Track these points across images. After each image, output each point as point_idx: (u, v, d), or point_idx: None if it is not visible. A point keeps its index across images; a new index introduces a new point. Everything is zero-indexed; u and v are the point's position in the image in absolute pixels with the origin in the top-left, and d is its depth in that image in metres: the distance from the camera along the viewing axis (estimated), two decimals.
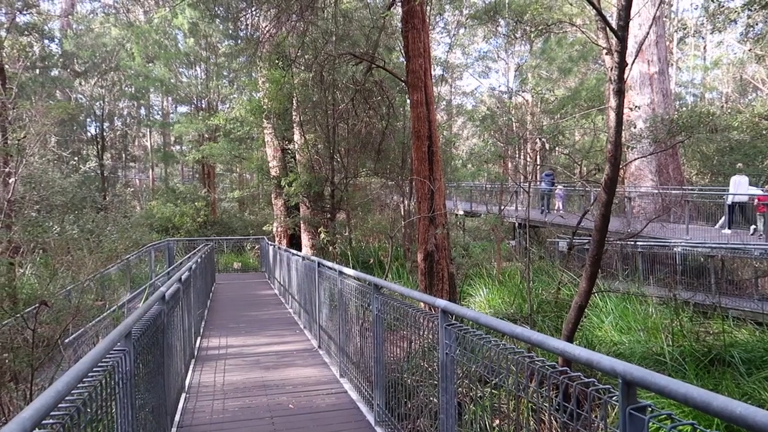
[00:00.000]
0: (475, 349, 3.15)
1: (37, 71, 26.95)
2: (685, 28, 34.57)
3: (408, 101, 17.72)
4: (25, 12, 19.68)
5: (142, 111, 39.96)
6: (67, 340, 6.18)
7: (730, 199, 14.66)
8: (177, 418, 5.32)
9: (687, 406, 1.82)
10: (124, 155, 37.06)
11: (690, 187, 18.96)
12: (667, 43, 30.86)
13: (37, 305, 5.45)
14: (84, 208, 24.23)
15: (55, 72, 29.65)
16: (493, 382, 2.96)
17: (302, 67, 17.02)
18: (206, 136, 30.84)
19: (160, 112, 42.19)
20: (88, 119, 31.78)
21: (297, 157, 19.36)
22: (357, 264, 17.07)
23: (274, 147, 21.33)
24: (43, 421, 1.74)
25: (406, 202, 19.22)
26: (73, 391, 2.16)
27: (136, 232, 15.97)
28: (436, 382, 4.39)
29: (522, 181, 22.11)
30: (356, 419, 5.25)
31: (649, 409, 1.90)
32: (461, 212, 25.93)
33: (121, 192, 30.85)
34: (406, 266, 16.62)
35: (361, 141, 17.80)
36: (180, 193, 30.42)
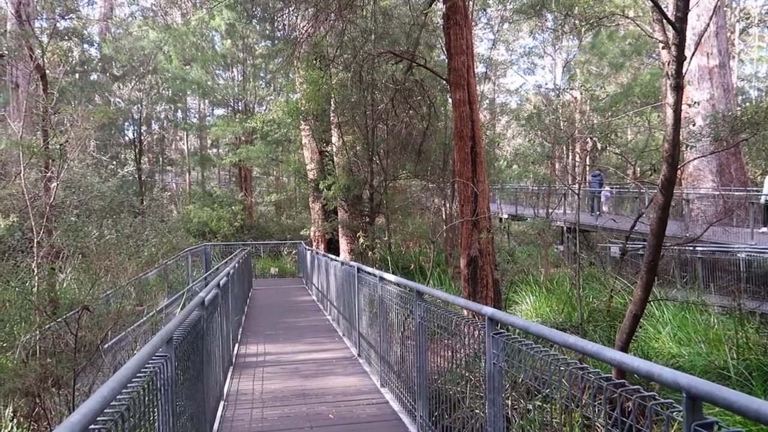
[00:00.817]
0: (524, 359, 3.11)
1: (77, 75, 28.04)
2: (748, 18, 33.42)
3: (450, 100, 17.61)
4: (66, 17, 20.52)
5: (179, 114, 41.04)
6: (106, 346, 6.39)
7: (762, 199, 14.30)
8: (216, 426, 5.42)
9: (759, 424, 1.75)
10: (161, 159, 38.16)
11: (755, 189, 18.28)
12: (729, 34, 29.85)
13: (78, 310, 5.64)
14: (122, 213, 25.06)
15: (94, 76, 30.80)
16: (543, 394, 2.92)
17: (340, 67, 17.18)
18: (243, 138, 31.46)
19: (196, 115, 43.24)
20: (126, 123, 32.87)
21: (335, 159, 19.53)
22: (397, 270, 17.09)
23: (312, 149, 21.57)
24: (90, 426, 1.81)
25: (447, 206, 19.15)
26: (118, 396, 2.23)
27: (174, 237, 16.40)
28: (481, 394, 4.35)
29: (570, 182, 21.75)
30: (398, 431, 5.24)
31: (717, 426, 1.84)
32: (506, 216, 25.66)
33: (158, 196, 31.80)
34: (448, 272, 16.55)
35: (400, 142, 17.84)
36: (217, 197, 31.10)
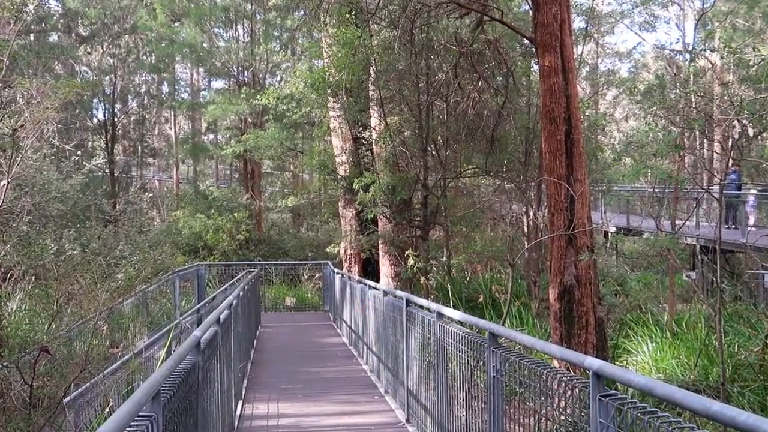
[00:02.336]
0: None
1: (32, 37, 29.04)
2: None
3: (535, 68, 17.45)
4: None
5: (165, 88, 42.13)
6: (67, 399, 6.55)
7: None
8: None
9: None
10: (140, 148, 39.21)
11: None
12: None
13: (34, 352, 5.78)
14: (88, 220, 25.76)
15: (54, 37, 31.86)
16: None
17: (384, 23, 17.29)
18: (250, 121, 32.05)
19: (188, 90, 44.34)
20: (95, 100, 33.80)
21: (375, 149, 19.65)
22: (460, 302, 17.05)
23: (343, 136, 21.78)
24: None
25: (531, 214, 18.99)
26: None
27: (157, 254, 16.81)
28: None
29: (707, 183, 21.29)
30: None
31: None
32: (613, 229, 25.29)
33: (135, 198, 32.60)
34: (532, 307, 16.41)
35: (466, 126, 17.80)
36: (214, 201, 31.71)
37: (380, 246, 19.86)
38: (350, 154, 21.65)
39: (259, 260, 25.87)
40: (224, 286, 16.54)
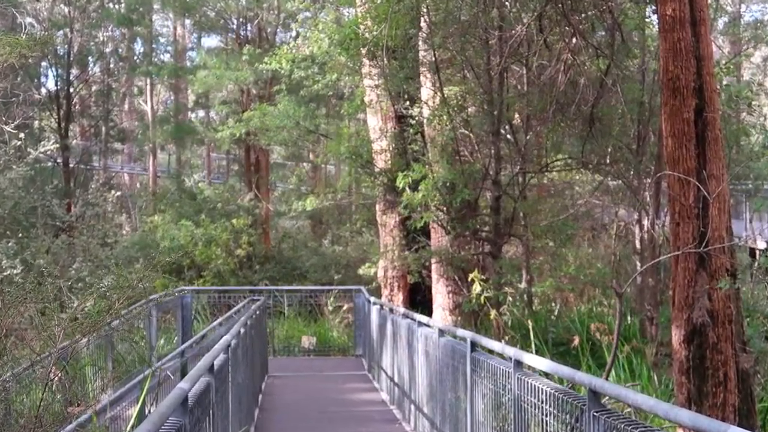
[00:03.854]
0: None
1: None
2: None
3: (653, 18, 17.29)
4: None
5: (139, 47, 42.64)
6: None
7: None
8: None
9: None
10: (104, 129, 39.58)
11: None
12: None
13: None
14: (33, 228, 26.01)
15: None
16: None
17: None
18: (254, 92, 32.27)
19: (169, 50, 44.77)
20: (44, 63, 34.33)
21: (427, 131, 19.66)
22: (546, 346, 16.92)
23: (383, 113, 21.83)
24: None
25: (646, 223, 18.78)
26: None
27: (135, 276, 16.96)
28: None
29: None
30: None
31: None
32: (764, 245, 24.91)
33: (97, 198, 32.83)
34: (647, 353, 16.22)
35: (554, 100, 17.70)
36: (205, 202, 32.01)
37: (433, 266, 19.83)
38: (392, 139, 21.67)
39: (266, 284, 26.07)
40: (218, 320, 16.67)
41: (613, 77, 16.99)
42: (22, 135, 25.37)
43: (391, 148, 21.67)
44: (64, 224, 27.70)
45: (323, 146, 30.49)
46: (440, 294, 19.43)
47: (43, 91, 35.72)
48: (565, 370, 5.88)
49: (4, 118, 26.73)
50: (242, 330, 11.43)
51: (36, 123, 35.15)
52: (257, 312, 16.37)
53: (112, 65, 39.64)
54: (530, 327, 16.17)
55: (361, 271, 25.21)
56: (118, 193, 37.11)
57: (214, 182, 40.47)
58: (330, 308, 25.74)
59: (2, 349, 7.29)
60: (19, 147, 28.08)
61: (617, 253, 22.61)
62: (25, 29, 31.94)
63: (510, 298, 17.71)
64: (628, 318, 18.75)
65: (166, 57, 43.90)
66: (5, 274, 18.37)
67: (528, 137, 18.53)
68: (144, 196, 41.44)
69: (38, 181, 29.53)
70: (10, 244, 22.76)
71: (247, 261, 28.84)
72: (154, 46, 43.25)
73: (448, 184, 17.87)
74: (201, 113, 46.65)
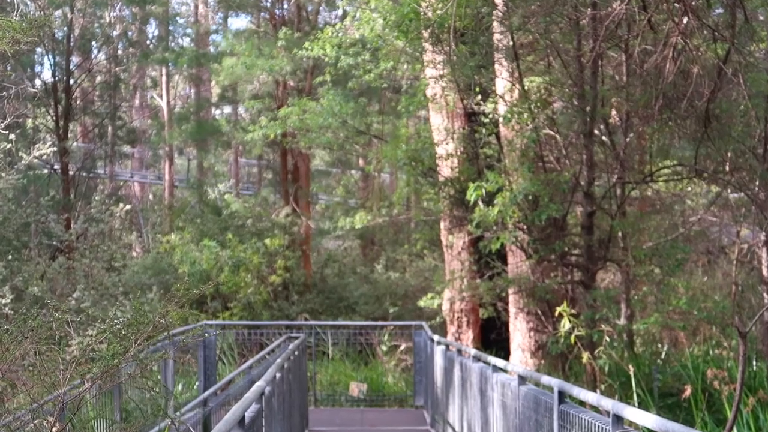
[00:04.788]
0: None
1: None
2: None
3: None
4: None
5: (152, 29, 43.02)
6: None
7: None
8: None
9: None
10: (110, 129, 39.97)
11: None
12: None
13: None
14: (26, 248, 26.15)
15: None
16: None
17: None
18: (292, 85, 32.44)
19: (189, 33, 45.12)
20: (39, 50, 34.70)
21: (503, 132, 19.64)
22: (649, 396, 16.78)
23: (450, 110, 21.86)
24: None
25: None
26: None
27: (144, 310, 17.09)
28: None
29: None
30: None
31: None
32: None
33: (102, 212, 32.94)
34: None
35: (661, 93, 17.62)
36: (232, 217, 32.15)
37: (511, 298, 19.80)
38: (461, 141, 21.67)
39: (307, 319, 26.16)
40: (249, 362, 16.75)
41: (733, 65, 16.84)
42: (12, 136, 24.90)
43: (459, 153, 21.66)
44: (62, 244, 27.65)
45: (376, 150, 30.38)
46: (519, 332, 19.37)
47: (38, 83, 35.94)
48: (675, 428, 5.85)
49: None
50: (278, 374, 11.45)
51: (29, 121, 35.47)
52: (296, 352, 16.41)
53: (120, 51, 39.82)
54: (631, 373, 16.06)
55: (422, 304, 25.12)
56: (128, 207, 36.93)
57: (243, 194, 40.61)
58: (384, 348, 25.75)
59: None
60: (9, 150, 28.04)
61: (739, 283, 22.36)
62: (17, 9, 32.43)
63: (606, 338, 17.54)
64: (753, 363, 18.50)
65: (186, 41, 44.23)
66: None
67: (628, 139, 18.41)
68: (158, 211, 41.73)
69: (32, 191, 29.68)
70: None
71: (283, 290, 28.91)
72: (170, 28, 43.51)
73: (529, 196, 17.79)
74: (227, 110, 46.91)
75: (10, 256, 24.39)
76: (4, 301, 20.03)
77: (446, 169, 21.88)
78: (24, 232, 26.73)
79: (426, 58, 21.84)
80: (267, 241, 29.40)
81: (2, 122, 25.74)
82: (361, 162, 39.89)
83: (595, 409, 7.50)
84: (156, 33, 42.48)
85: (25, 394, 7.41)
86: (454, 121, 21.93)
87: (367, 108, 28.77)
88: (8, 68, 31.80)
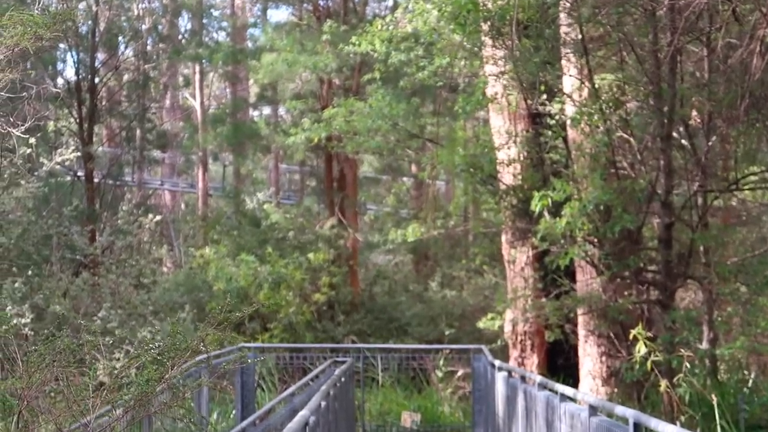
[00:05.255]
0: None
1: None
2: None
3: None
4: None
5: (185, 22, 43.25)
6: None
7: None
8: None
9: None
10: (138, 133, 40.16)
11: None
12: None
13: None
14: (47, 262, 26.24)
15: None
16: None
17: None
18: (338, 83, 32.55)
19: (225, 26, 45.35)
20: (62, 46, 34.93)
21: (571, 136, 19.64)
22: (734, 428, 16.69)
23: (512, 111, 21.85)
24: None
25: None
26: None
27: (166, 325, 17.18)
28: None
29: None
30: None
31: None
32: None
33: (130, 223, 33.05)
34: None
35: (746, 92, 17.58)
36: (272, 229, 32.26)
37: (580, 319, 19.78)
38: (524, 145, 21.68)
39: (354, 342, 26.21)
40: (291, 389, 16.84)
41: None
42: (33, 140, 24.86)
43: (522, 158, 21.65)
44: (86, 258, 27.61)
45: (430, 155, 30.30)
46: (590, 357, 19.35)
47: (60, 82, 36.13)
48: None
49: (11, 119, 26.80)
50: (323, 403, 11.53)
51: (51, 124, 35.71)
52: (342, 378, 16.49)
53: (149, 47, 40.07)
54: (715, 403, 16.00)
55: (481, 325, 25.15)
56: (158, 218, 37.10)
57: (284, 203, 40.79)
58: (439, 375, 25.75)
59: (24, 427, 7.52)
60: (30, 156, 28.13)
61: None
62: (38, 2, 32.78)
63: (687, 364, 17.46)
64: None
65: (221, 36, 44.44)
66: (12, 323, 18.44)
67: (710, 143, 18.35)
68: (191, 222, 41.98)
69: (53, 200, 29.80)
70: (17, 284, 22.22)
71: (328, 309, 29.00)
72: (204, 21, 43.75)
73: (601, 207, 17.78)
74: (266, 111, 47.13)
75: (30, 272, 24.15)
76: (23, 321, 20.00)
77: (508, 176, 21.89)
78: (45, 246, 26.77)
79: (485, 53, 21.85)
80: (310, 255, 29.50)
81: (22, 125, 25.76)
82: (413, 168, 39.95)
83: None
84: (189, 27, 42.70)
85: (50, 423, 7.52)
86: (517, 122, 21.92)
87: (421, 109, 28.79)
88: (28, 66, 31.98)
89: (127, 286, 25.67)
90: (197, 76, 43.32)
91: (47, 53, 33.11)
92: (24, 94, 27.95)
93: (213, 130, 40.78)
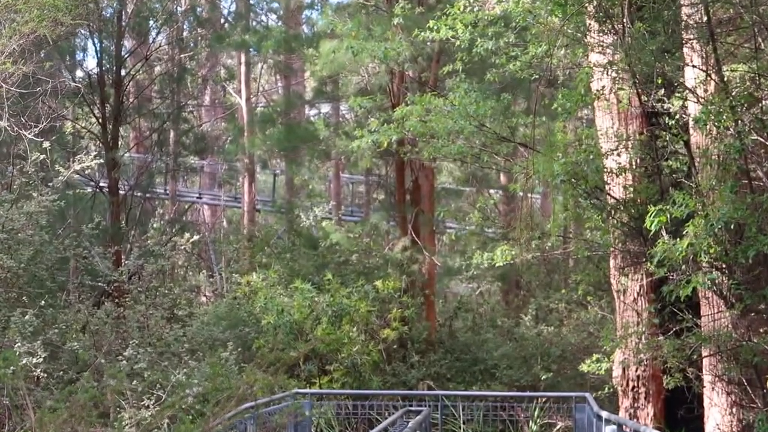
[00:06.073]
0: None
1: None
2: None
3: None
4: None
5: (228, 5, 43.47)
6: None
7: None
8: None
9: None
10: (172, 135, 40.29)
11: None
12: None
13: None
14: (63, 290, 26.26)
15: None
16: None
17: None
18: (411, 75, 32.57)
19: (276, 7, 45.48)
20: (82, 30, 34.97)
21: (694, 139, 19.52)
22: None
23: (622, 110, 21.78)
24: None
25: None
26: None
27: (225, 376, 17.20)
28: None
29: None
30: None
31: None
32: None
33: (161, 244, 32.98)
34: None
35: None
36: (332, 251, 32.27)
37: (705, 361, 19.65)
38: (638, 151, 21.59)
39: (431, 387, 26.20)
40: None
41: None
42: (47, 144, 24.60)
43: (634, 166, 21.54)
44: (109, 286, 27.61)
45: (524, 162, 30.13)
46: (718, 407, 19.17)
47: (80, 74, 36.22)
48: None
49: (22, 119, 26.77)
50: None
51: (69, 125, 35.80)
52: None
53: (186, 33, 40.30)
54: None
55: (584, 368, 24.99)
56: (195, 237, 37.02)
57: (347, 220, 40.91)
58: (534, 428, 25.69)
59: None
60: (43, 163, 27.90)
61: None
62: None
63: None
64: None
65: (272, 19, 44.59)
66: (21, 363, 18.30)
67: None
68: (235, 242, 42.03)
69: (71, 216, 29.95)
70: (27, 317, 21.39)
71: (399, 348, 28.99)
72: (252, 2, 43.93)
73: (731, 225, 17.61)
74: (325, 109, 47.26)
75: (42, 302, 23.66)
76: (35, 361, 19.63)
77: (617, 188, 21.77)
78: (61, 270, 26.82)
79: (590, 39, 21.70)
80: (378, 283, 29.47)
81: (35, 127, 25.84)
82: (502, 178, 39.90)
83: None
84: (233, 8, 42.88)
85: None
86: (628, 123, 21.80)
87: (512, 107, 28.69)
88: (42, 55, 32.03)
89: (159, 319, 25.49)
90: (243, 68, 43.44)
91: (64, 41, 33.07)
92: (38, 89, 28.08)
93: (261, 133, 40.76)
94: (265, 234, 39.63)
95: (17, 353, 19.15)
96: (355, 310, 28.47)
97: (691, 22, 19.01)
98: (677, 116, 20.04)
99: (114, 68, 33.57)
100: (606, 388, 24.31)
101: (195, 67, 41.27)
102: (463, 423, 24.77)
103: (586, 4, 19.82)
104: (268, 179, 49.64)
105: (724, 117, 17.97)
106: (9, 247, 21.79)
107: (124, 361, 21.54)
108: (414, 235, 32.75)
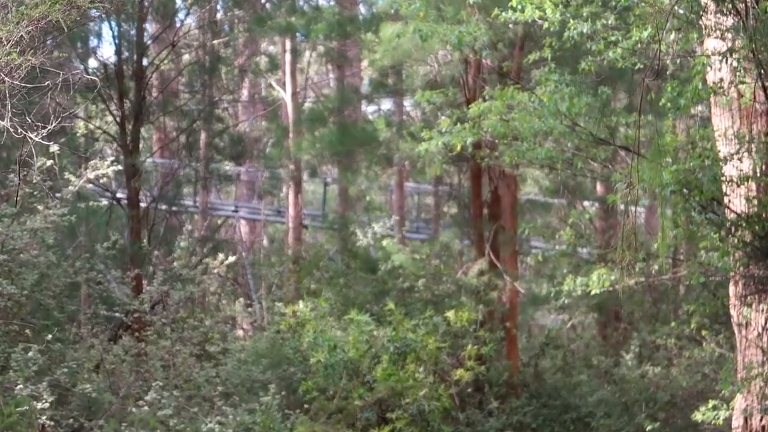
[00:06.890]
0: None
1: None
2: None
3: None
4: None
5: None
6: None
7: None
8: None
9: None
10: (203, 137, 40.48)
11: None
12: None
13: None
14: (72, 322, 26.34)
15: None
16: None
17: None
18: (489, 65, 32.62)
19: None
20: (97, 14, 35.18)
21: None
22: None
23: (744, 105, 21.72)
24: None
25: None
26: None
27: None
28: None
29: None
30: None
31: None
32: None
33: (189, 268, 33.01)
34: None
35: None
36: (394, 275, 32.35)
37: None
38: (763, 155, 21.54)
39: None
40: None
41: None
42: (56, 147, 24.04)
43: (759, 173, 21.50)
44: (128, 317, 27.53)
45: (626, 170, 30.06)
46: None
47: (94, 65, 36.42)
48: None
49: (27, 119, 26.42)
50: None
51: (81, 125, 36.00)
52: None
53: (219, 15, 40.50)
54: None
55: (698, 417, 24.94)
56: (231, 259, 37.05)
57: (412, 238, 40.91)
58: None
59: None
60: (51, 170, 27.63)
61: None
62: None
63: None
64: None
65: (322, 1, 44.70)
66: (24, 410, 18.29)
67: None
68: (278, 265, 42.11)
69: (82, 234, 30.10)
70: (30, 353, 21.10)
71: (475, 392, 29.04)
72: None
73: None
74: (386, 106, 47.28)
75: (49, 336, 22.53)
76: (40, 406, 19.44)
77: (739, 200, 21.71)
78: (71, 298, 26.78)
79: (706, 22, 21.64)
80: (450, 314, 29.41)
81: (42, 127, 25.46)
82: (599, 188, 39.87)
83: None
84: None
85: None
86: (752, 123, 21.76)
87: (612, 103, 28.72)
88: (49, 42, 31.94)
89: (187, 356, 25.25)
90: (288, 57, 43.58)
91: (82, 30, 33.03)
92: (46, 83, 28.10)
93: (310, 134, 40.68)
94: (314, 255, 39.66)
95: (19, 398, 19.02)
96: (421, 347, 28.37)
97: None
98: None
99: (135, 57, 33.64)
100: None
101: (231, 55, 41.33)
102: None
103: None
104: (318, 189, 49.76)
105: None
106: (10, 270, 21.66)
107: (146, 407, 21.39)
108: (493, 257, 32.70)
